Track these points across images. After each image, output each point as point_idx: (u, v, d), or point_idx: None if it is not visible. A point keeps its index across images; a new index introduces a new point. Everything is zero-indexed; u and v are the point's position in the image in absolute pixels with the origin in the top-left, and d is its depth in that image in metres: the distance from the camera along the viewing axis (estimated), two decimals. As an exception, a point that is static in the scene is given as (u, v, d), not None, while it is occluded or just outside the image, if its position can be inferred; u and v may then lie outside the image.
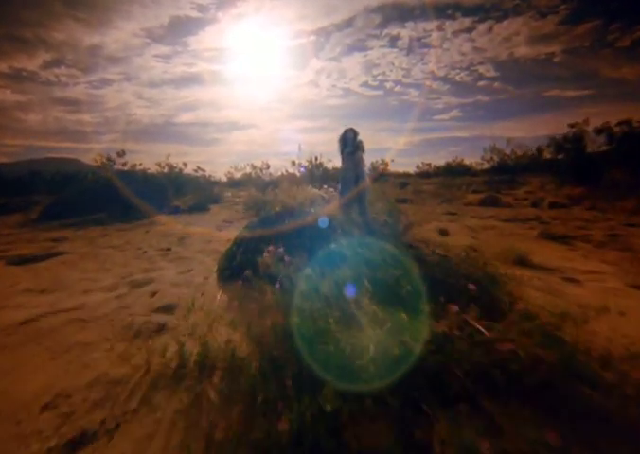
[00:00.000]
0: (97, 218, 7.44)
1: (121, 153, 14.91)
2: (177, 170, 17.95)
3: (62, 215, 8.03)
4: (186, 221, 6.41)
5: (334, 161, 13.77)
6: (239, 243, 3.00)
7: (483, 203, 8.05)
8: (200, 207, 8.96)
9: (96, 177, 10.75)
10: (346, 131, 5.71)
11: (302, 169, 13.23)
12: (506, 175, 16.93)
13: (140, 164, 15.29)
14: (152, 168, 17.68)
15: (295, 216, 3.37)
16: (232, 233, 4.72)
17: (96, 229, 5.98)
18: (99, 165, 14.47)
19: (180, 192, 14.79)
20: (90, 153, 12.02)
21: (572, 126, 9.48)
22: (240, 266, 2.62)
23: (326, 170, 13.50)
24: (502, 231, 4.53)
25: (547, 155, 17.79)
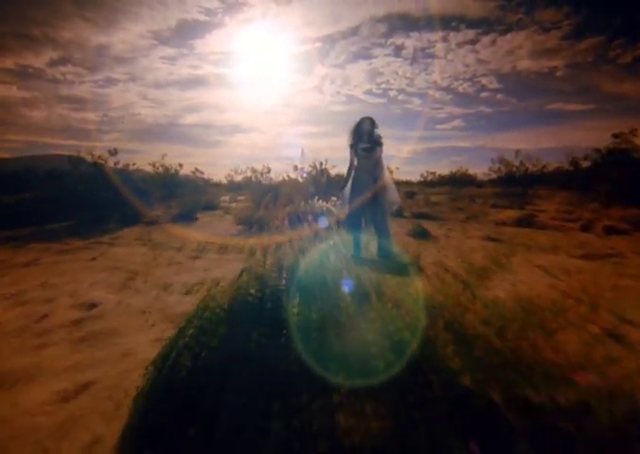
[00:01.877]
0: (54, 229, 5.88)
1: (113, 152, 13.33)
2: (172, 172, 16.40)
3: (16, 221, 6.47)
4: (157, 241, 4.86)
5: (339, 167, 12.24)
6: (177, 362, 1.25)
7: (520, 223, 6.53)
8: (186, 216, 7.42)
9: (73, 177, 9.20)
10: (361, 121, 4.08)
11: (304, 174, 11.68)
12: (516, 187, 15.51)
13: (134, 163, 13.63)
14: (148, 169, 16.11)
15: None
16: (209, 275, 3.20)
17: (36, 246, 4.44)
18: (91, 163, 12.91)
19: (173, 195, 13.22)
20: (93, 151, 10.56)
21: (616, 136, 8.07)
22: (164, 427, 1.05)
23: (330, 178, 11.98)
24: (597, 279, 3.03)
25: (566, 167, 16.35)
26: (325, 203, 5.98)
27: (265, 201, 6.94)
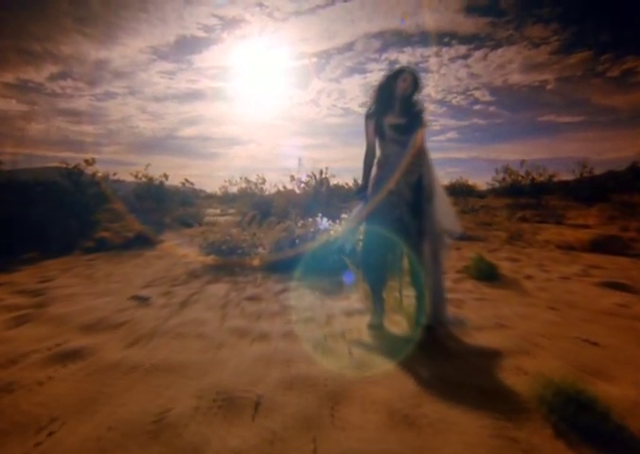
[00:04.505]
0: None
1: (90, 161, 11.26)
2: (157, 183, 14.24)
3: None
4: (46, 297, 2.83)
5: (342, 176, 10.33)
6: None
7: (597, 248, 4.55)
8: (144, 239, 5.37)
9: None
10: (397, 73, 1.95)
11: (302, 180, 9.67)
12: (525, 197, 13.65)
13: (115, 174, 11.50)
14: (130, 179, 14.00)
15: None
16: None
17: None
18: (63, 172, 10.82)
19: (156, 209, 11.09)
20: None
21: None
22: None
23: (330, 188, 10.01)
24: None
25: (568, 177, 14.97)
26: (332, 224, 3.86)
27: (248, 219, 4.90)
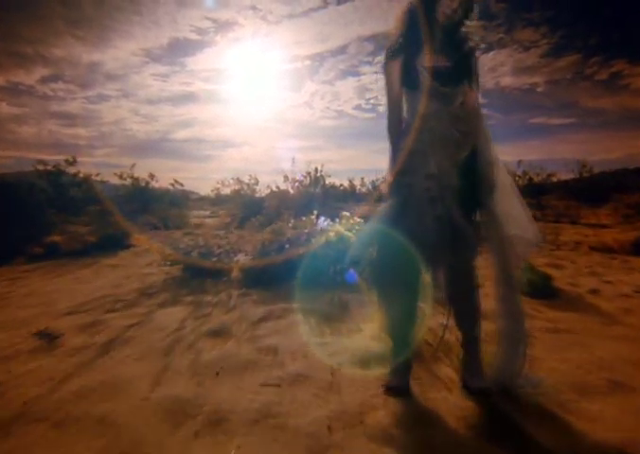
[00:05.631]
0: None
1: (71, 161, 10.27)
2: (143, 184, 13.24)
3: None
4: None
5: (337, 177, 9.48)
6: None
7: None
8: (110, 244, 4.45)
9: None
10: None
11: (300, 179, 8.76)
12: (526, 198, 13.01)
13: (97, 174, 10.50)
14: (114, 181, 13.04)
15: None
16: None
17: None
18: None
19: (141, 211, 10.12)
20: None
21: None
22: None
23: (325, 186, 9.14)
24: None
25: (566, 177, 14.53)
26: (331, 223, 3.08)
27: (228, 221, 4.01)
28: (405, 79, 1.28)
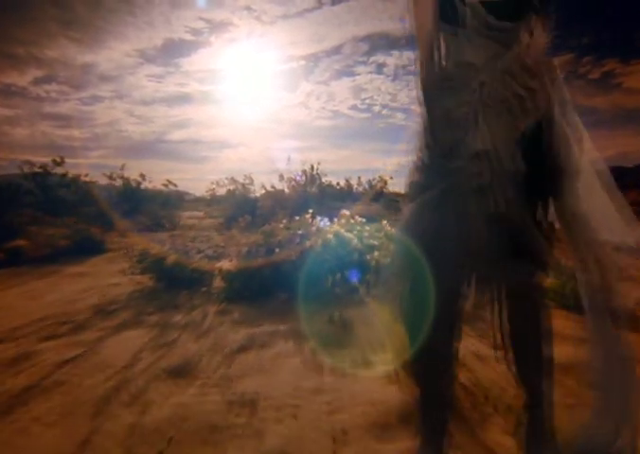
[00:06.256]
0: None
1: (59, 162, 9.75)
2: (133, 185, 12.71)
3: None
4: None
5: (332, 177, 8.98)
6: None
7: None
8: (83, 248, 3.98)
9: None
10: None
11: (297, 177, 8.27)
12: None
13: (86, 175, 9.97)
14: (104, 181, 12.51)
15: None
16: None
17: None
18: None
19: (130, 211, 9.60)
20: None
21: None
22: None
23: (322, 184, 8.67)
24: None
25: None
26: (328, 223, 2.64)
27: (223, 223, 3.53)
28: (442, 10, 0.83)
